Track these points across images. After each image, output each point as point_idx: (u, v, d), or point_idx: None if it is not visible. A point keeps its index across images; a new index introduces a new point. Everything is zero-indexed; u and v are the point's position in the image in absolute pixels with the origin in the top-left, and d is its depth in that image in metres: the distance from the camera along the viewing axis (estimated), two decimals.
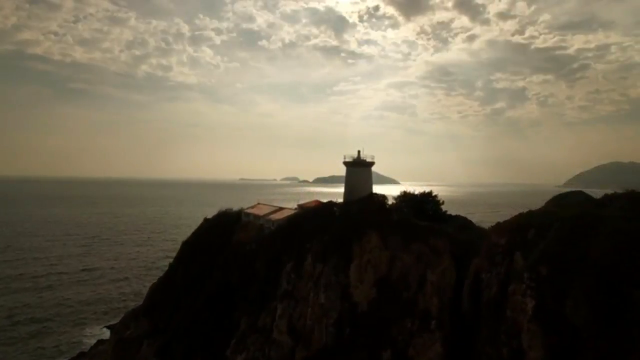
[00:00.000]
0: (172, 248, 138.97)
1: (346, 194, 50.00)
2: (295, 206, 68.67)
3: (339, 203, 47.94)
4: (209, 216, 70.08)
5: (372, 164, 51.34)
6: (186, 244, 64.29)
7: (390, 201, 52.06)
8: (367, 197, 44.32)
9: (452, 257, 38.82)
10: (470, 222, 62.54)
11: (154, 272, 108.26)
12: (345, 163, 51.54)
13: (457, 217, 62.27)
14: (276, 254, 44.95)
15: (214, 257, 54.03)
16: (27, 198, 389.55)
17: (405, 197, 64.44)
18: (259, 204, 70.50)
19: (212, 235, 60.03)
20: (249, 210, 64.42)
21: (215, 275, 50.11)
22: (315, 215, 44.64)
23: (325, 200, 51.56)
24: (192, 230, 69.83)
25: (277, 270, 43.93)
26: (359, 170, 50.31)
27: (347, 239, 38.84)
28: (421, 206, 60.82)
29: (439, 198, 60.45)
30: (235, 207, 71.52)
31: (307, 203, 69.38)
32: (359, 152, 51.79)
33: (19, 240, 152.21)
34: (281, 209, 61.01)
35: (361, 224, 39.46)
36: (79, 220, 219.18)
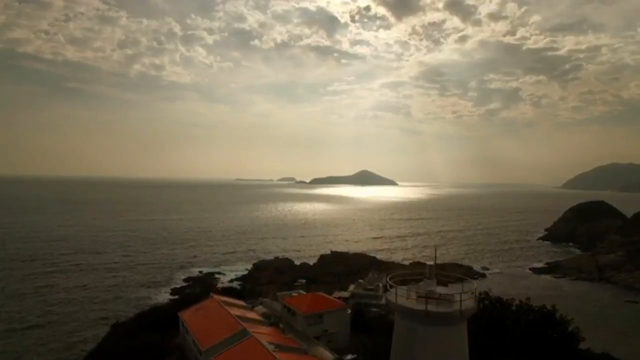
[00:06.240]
0: (147, 281, 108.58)
1: None
2: (281, 300, 39.26)
3: None
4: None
5: (472, 312, 17.80)
6: None
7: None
8: None
9: None
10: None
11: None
12: (398, 307, 18.38)
13: (588, 353, 32.43)
14: None
15: None
16: (8, 201, 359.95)
17: (490, 310, 33.98)
18: (213, 296, 40.57)
19: None
20: (188, 320, 34.53)
21: None
22: None
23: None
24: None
25: None
26: (438, 332, 16.94)
27: None
28: (526, 329, 31.35)
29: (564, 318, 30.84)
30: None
31: (297, 298, 39.75)
32: (430, 267, 18.77)
33: None
34: (244, 331, 30.94)
35: None
36: (45, 232, 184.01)
